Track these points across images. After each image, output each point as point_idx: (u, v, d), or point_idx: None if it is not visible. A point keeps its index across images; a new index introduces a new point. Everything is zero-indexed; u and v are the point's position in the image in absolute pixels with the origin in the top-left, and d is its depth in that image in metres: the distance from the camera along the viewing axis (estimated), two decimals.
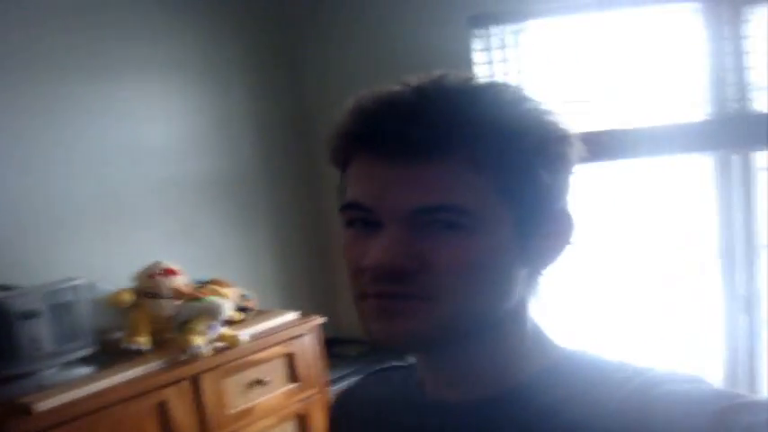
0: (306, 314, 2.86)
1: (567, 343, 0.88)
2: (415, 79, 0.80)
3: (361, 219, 0.81)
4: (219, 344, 2.53)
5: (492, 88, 0.81)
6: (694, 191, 2.86)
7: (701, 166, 2.82)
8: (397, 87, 0.80)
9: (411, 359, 0.95)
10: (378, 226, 0.79)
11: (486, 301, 0.80)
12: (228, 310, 2.57)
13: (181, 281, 2.60)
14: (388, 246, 0.77)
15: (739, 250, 2.74)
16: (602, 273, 3.05)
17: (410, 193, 0.76)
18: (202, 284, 2.67)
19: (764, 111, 2.60)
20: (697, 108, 2.73)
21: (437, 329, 0.78)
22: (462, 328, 0.80)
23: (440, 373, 0.88)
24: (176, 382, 2.40)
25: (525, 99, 0.80)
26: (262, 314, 2.81)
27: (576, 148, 0.82)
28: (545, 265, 0.84)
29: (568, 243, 0.84)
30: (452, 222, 0.76)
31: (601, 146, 2.27)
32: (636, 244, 3.00)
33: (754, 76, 2.62)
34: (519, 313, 0.85)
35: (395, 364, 1.05)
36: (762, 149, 2.66)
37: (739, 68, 2.64)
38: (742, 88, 2.65)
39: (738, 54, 2.63)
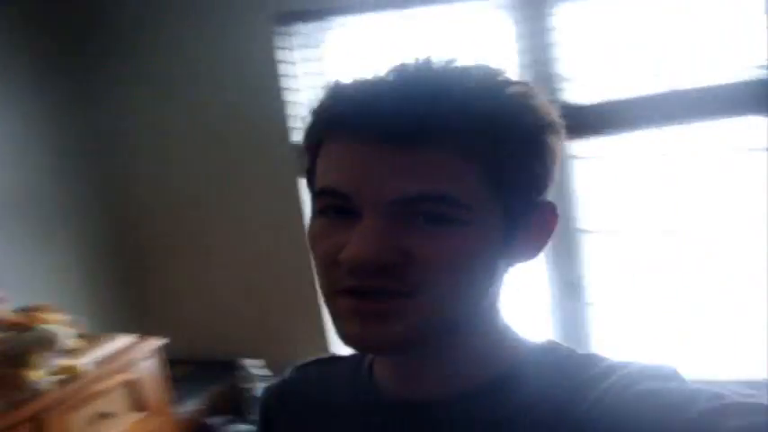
0: (142, 336, 2.63)
1: (532, 334, 0.86)
2: (399, 63, 0.76)
3: (336, 206, 0.75)
4: (59, 376, 2.25)
5: (480, 72, 0.77)
6: None
7: None
8: (381, 71, 0.75)
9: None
10: (354, 215, 0.73)
11: (470, 296, 0.76)
12: (65, 337, 2.29)
13: (3, 309, 2.28)
14: (369, 237, 0.71)
15: (563, 236, 2.88)
16: None
17: (395, 181, 0.71)
18: (25, 311, 2.34)
19: (574, 101, 2.78)
20: None
21: (419, 329, 0.74)
22: (445, 324, 0.76)
23: (409, 371, 0.82)
24: (16, 425, 2.12)
25: (514, 83, 0.77)
26: (96, 339, 2.53)
27: (562, 136, 0.80)
28: (528, 257, 0.82)
29: (551, 235, 0.82)
30: (438, 213, 0.72)
31: None
32: None
33: (562, 67, 2.78)
34: (494, 306, 0.82)
35: (322, 357, 1.00)
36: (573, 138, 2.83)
37: (547, 61, 2.79)
38: (550, 80, 2.80)
39: (545, 47, 2.78)
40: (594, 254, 2.90)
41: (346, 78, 0.77)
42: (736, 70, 2.62)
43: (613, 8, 2.70)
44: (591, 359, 0.80)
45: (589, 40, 2.74)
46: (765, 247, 2.68)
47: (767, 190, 2.65)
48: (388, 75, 0.75)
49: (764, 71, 2.57)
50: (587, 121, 2.73)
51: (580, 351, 0.82)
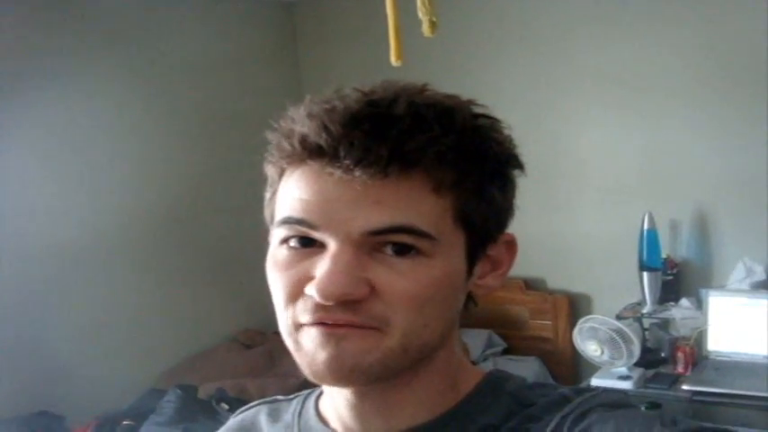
0: None
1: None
2: (372, 89, 0.75)
3: (300, 236, 0.73)
4: None
5: (451, 102, 0.76)
6: None
7: None
8: (355, 96, 0.74)
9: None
10: (317, 245, 0.73)
11: (435, 329, 0.76)
12: None
13: None
14: (339, 268, 0.70)
15: None
16: None
17: (366, 211, 0.70)
18: None
19: None
20: None
21: (385, 360, 0.73)
22: (410, 358, 0.75)
23: (371, 406, 0.79)
24: None
25: (482, 115, 0.76)
26: None
27: (519, 170, 0.80)
28: (486, 289, 0.81)
29: (511, 267, 0.82)
30: (406, 244, 0.71)
31: None
32: None
33: None
34: (452, 335, 0.82)
35: (265, 400, 0.96)
36: None
37: None
38: None
39: None
40: None
41: (312, 103, 0.74)
42: None
43: None
44: (544, 387, 0.80)
45: None
46: None
47: None
48: (358, 103, 0.72)
49: None
50: None
51: (525, 377, 0.83)
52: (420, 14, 1.60)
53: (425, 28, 1.61)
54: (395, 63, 1.61)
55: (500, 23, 3.89)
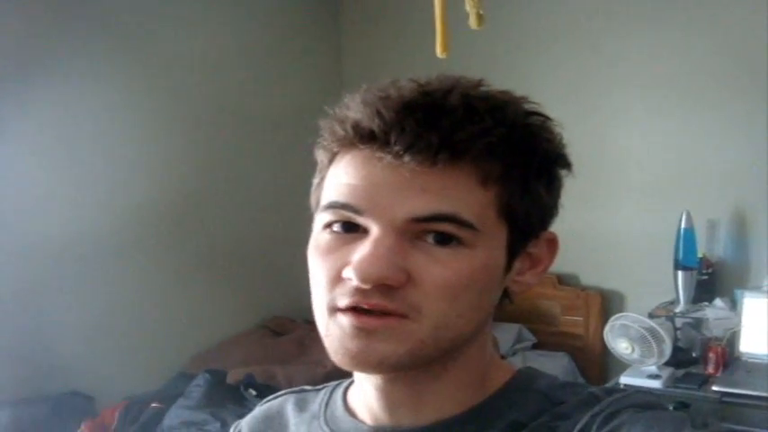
0: None
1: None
2: (428, 81, 0.76)
3: (345, 221, 0.74)
4: None
5: (504, 97, 0.77)
6: None
7: None
8: (410, 86, 0.75)
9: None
10: (360, 231, 0.74)
11: (469, 320, 0.76)
12: None
13: None
14: (378, 254, 0.71)
15: None
16: None
17: (412, 199, 0.71)
18: None
19: None
20: None
21: (416, 350, 0.73)
22: (441, 349, 0.75)
23: (401, 397, 0.80)
24: None
25: (534, 113, 0.78)
26: None
27: (567, 170, 0.81)
28: (523, 285, 0.82)
29: (550, 265, 0.83)
30: (448, 233, 0.72)
31: None
32: None
33: None
34: (486, 330, 0.82)
35: (292, 390, 0.98)
36: None
37: None
38: None
39: None
40: None
41: (367, 92, 0.75)
42: None
43: None
44: (575, 386, 0.81)
45: None
46: None
47: None
48: (413, 92, 0.73)
49: None
50: None
51: (552, 375, 0.84)
52: (467, 7, 1.59)
53: (472, 20, 1.60)
54: (440, 55, 1.61)
55: (544, 21, 3.87)
